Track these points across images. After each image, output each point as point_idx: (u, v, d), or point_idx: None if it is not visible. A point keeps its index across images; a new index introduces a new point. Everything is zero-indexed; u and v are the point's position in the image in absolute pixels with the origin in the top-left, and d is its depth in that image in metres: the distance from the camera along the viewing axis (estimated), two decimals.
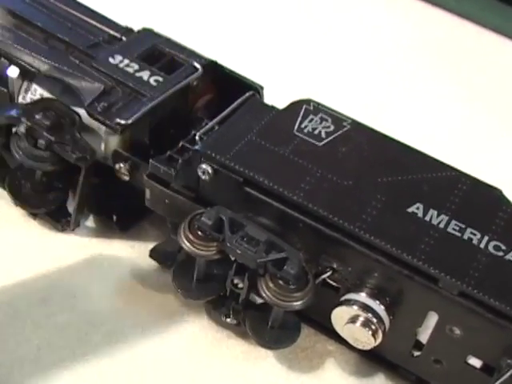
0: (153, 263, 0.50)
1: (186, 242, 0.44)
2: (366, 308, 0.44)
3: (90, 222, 0.53)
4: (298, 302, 0.43)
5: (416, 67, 0.69)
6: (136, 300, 0.49)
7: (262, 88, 0.51)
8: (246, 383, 0.46)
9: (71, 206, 0.51)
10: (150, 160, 0.46)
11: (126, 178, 0.49)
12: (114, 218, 0.51)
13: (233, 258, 0.44)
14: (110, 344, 0.47)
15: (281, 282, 0.43)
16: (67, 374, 0.45)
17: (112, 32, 0.52)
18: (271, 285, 0.43)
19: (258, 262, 0.43)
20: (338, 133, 0.48)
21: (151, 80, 0.49)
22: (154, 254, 0.50)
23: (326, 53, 0.70)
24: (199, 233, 0.44)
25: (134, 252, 0.51)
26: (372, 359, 0.48)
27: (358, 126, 0.49)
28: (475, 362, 0.45)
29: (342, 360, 0.48)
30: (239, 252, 0.43)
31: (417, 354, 0.46)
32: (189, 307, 0.49)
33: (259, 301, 0.47)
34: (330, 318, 0.46)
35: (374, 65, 0.69)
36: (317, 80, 0.64)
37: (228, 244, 0.43)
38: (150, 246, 0.51)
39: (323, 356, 0.48)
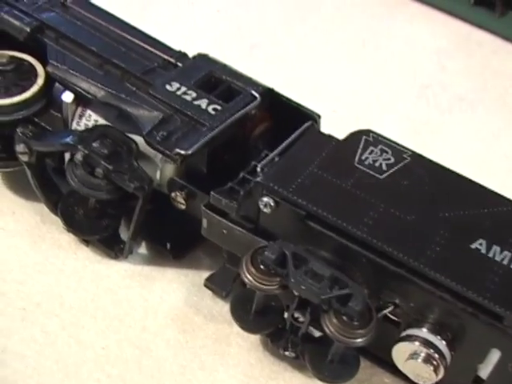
0: (207, 292, 0.50)
1: (248, 276, 0.44)
2: (427, 344, 0.43)
3: (142, 249, 0.52)
4: (362, 339, 0.43)
5: (463, 92, 0.69)
6: (191, 331, 0.49)
7: (319, 117, 0.50)
8: None
9: (124, 233, 0.51)
10: (212, 192, 0.46)
11: (183, 207, 0.49)
12: (168, 245, 0.51)
13: (296, 294, 0.44)
14: (165, 376, 0.46)
15: (344, 318, 0.43)
16: None
17: (166, 57, 0.52)
18: (335, 320, 0.43)
19: (322, 298, 0.43)
20: (399, 165, 0.47)
21: (209, 108, 0.48)
22: (208, 283, 0.50)
23: (372, 79, 0.70)
24: (262, 267, 0.44)
25: (187, 281, 0.51)
26: None
27: (418, 159, 0.48)
28: None
29: None
30: (303, 288, 0.43)
31: None
32: (245, 338, 0.48)
33: (318, 334, 0.47)
34: (389, 352, 0.45)
35: (418, 91, 0.69)
36: (365, 108, 0.64)
37: (292, 280, 0.43)
38: (204, 275, 0.50)
39: None
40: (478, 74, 0.72)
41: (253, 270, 0.44)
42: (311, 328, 0.47)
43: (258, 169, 0.46)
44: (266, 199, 0.45)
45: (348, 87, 0.69)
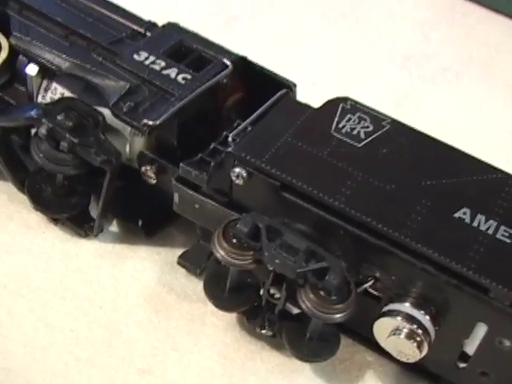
0: (181, 271, 0.48)
1: (220, 250, 0.42)
2: (410, 319, 0.41)
3: (114, 228, 0.50)
4: (340, 315, 0.41)
5: (447, 62, 0.67)
6: (164, 311, 0.46)
7: (295, 85, 0.48)
8: None
9: (94, 211, 0.49)
10: (181, 164, 0.44)
11: (153, 182, 0.47)
12: (140, 222, 0.49)
13: (270, 268, 0.42)
14: (136, 356, 0.44)
15: (322, 292, 0.41)
16: None
17: (135, 27, 0.50)
18: (312, 296, 0.41)
19: (297, 272, 0.41)
20: (378, 133, 0.45)
21: (179, 78, 0.46)
22: (181, 260, 0.48)
23: (353, 51, 0.68)
24: (234, 241, 0.42)
25: (160, 259, 0.49)
26: (413, 371, 0.46)
27: (398, 126, 0.46)
28: None
29: (381, 372, 0.46)
30: (278, 262, 0.41)
31: (462, 365, 0.44)
32: (220, 317, 0.46)
33: (295, 311, 0.45)
34: (370, 329, 0.43)
35: (401, 62, 0.67)
36: (345, 80, 0.62)
37: (266, 253, 0.41)
38: (178, 252, 0.48)
39: (362, 368, 0.46)
40: (463, 44, 0.70)
41: (225, 244, 0.42)
42: (289, 305, 0.45)
43: (230, 139, 0.44)
44: (238, 170, 0.43)
45: (328, 60, 0.67)
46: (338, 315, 0.41)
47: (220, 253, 0.42)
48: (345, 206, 0.42)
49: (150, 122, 0.44)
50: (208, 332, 0.46)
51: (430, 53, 0.66)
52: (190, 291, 0.47)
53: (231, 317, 0.46)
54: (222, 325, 0.46)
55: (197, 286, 0.47)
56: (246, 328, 0.46)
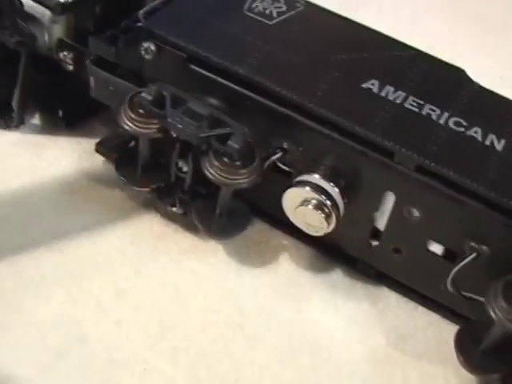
0: (99, 158, 0.48)
1: (126, 120, 0.41)
2: (318, 189, 0.41)
3: (36, 120, 0.50)
4: (244, 180, 0.40)
5: None
6: (81, 195, 0.46)
7: None
8: (193, 277, 0.44)
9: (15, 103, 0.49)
10: (90, 37, 0.44)
11: (71, 68, 0.46)
12: (60, 113, 0.49)
13: (174, 135, 0.42)
14: (49, 237, 0.44)
15: (225, 159, 0.40)
16: (5, 265, 0.43)
17: None
18: (216, 162, 0.40)
19: (200, 136, 0.40)
20: (291, 13, 0.45)
21: None
22: (99, 147, 0.48)
23: None
24: (140, 111, 0.41)
25: (80, 148, 0.49)
26: (329, 254, 0.45)
27: (312, 7, 0.46)
28: (437, 249, 0.42)
29: (296, 255, 0.45)
30: (180, 127, 0.40)
31: (375, 243, 0.43)
32: (135, 201, 0.46)
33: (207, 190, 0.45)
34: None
35: None
36: None
37: (169, 119, 0.41)
38: None
39: (277, 251, 0.45)
40: None
41: (131, 113, 0.41)
42: (201, 187, 0.45)
43: (140, 15, 0.44)
44: (146, 44, 0.43)
45: None
46: (241, 180, 0.41)
47: (126, 123, 0.41)
48: (250, 74, 0.41)
49: (62, 0, 0.44)
50: (123, 214, 0.46)
51: None
52: (107, 177, 0.47)
53: (147, 201, 0.46)
54: (137, 208, 0.46)
55: (114, 172, 0.45)
56: (161, 211, 0.46)
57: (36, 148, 0.48)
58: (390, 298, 0.44)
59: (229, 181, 0.40)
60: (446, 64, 0.44)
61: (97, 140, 0.48)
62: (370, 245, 0.43)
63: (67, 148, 0.48)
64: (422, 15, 0.62)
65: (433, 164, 0.39)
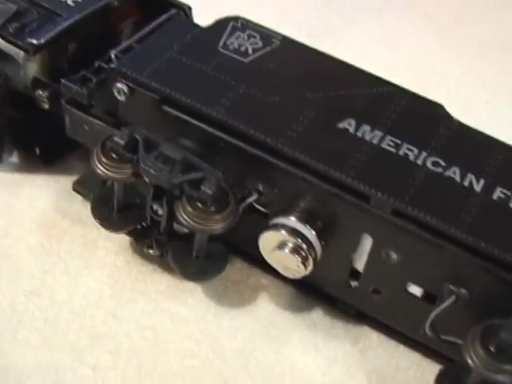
0: (78, 197, 0.47)
1: (98, 165, 0.41)
2: (294, 233, 0.40)
3: (14, 158, 0.49)
4: (219, 225, 0.40)
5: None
6: (57, 235, 0.46)
7: (190, 8, 0.47)
8: (171, 320, 0.43)
9: None
10: (62, 80, 0.43)
11: (46, 106, 0.46)
12: (37, 150, 0.48)
13: (147, 180, 0.41)
14: (26, 281, 0.43)
15: (199, 204, 0.40)
16: None
17: None
18: (189, 208, 0.40)
19: (172, 182, 0.40)
20: (267, 49, 0.44)
21: (68, 0, 0.46)
22: (76, 186, 0.47)
23: None
24: (113, 155, 0.41)
25: (58, 186, 0.48)
26: (309, 293, 0.45)
27: (288, 43, 0.45)
28: (416, 291, 0.41)
29: (276, 294, 0.45)
30: (153, 172, 0.40)
31: (354, 284, 0.43)
32: (113, 241, 0.46)
33: (184, 231, 0.44)
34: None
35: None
36: (262, 16, 0.57)
37: (142, 164, 0.40)
38: None
39: (256, 290, 0.45)
40: None
41: (103, 158, 0.41)
42: (178, 227, 0.44)
43: (112, 55, 0.44)
44: (119, 85, 0.42)
45: None
46: (216, 226, 0.40)
47: (99, 167, 0.41)
48: (223, 116, 0.41)
49: (35, 41, 0.43)
50: (100, 255, 0.45)
51: None
52: (84, 217, 0.46)
53: (124, 241, 0.46)
54: (114, 248, 0.45)
55: None
56: (138, 252, 0.45)
57: (13, 187, 0.48)
58: (371, 337, 0.44)
59: (203, 227, 0.40)
60: (425, 100, 0.43)
61: (74, 177, 0.48)
62: (350, 285, 0.43)
63: (45, 186, 0.48)
64: (407, 38, 0.61)
65: (409, 208, 0.38)
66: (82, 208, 0.47)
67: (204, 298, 0.44)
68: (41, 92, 0.46)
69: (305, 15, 0.59)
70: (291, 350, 0.43)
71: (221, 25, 0.46)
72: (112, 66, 0.43)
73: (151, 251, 0.44)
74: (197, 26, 0.46)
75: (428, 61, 0.59)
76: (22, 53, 0.45)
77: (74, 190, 0.47)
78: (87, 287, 0.44)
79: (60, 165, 0.49)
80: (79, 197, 0.47)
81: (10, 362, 0.41)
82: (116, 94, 0.42)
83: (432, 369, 0.42)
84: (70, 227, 0.46)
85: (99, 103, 0.44)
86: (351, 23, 0.60)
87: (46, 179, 0.48)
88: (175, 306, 0.44)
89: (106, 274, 0.44)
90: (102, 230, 0.45)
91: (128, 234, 0.45)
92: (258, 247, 0.42)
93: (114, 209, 0.43)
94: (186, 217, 0.40)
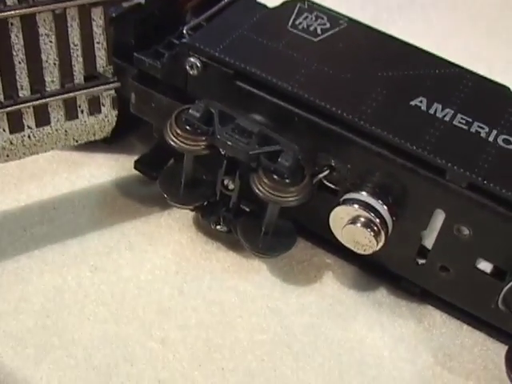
0: (138, 176, 0.47)
1: (172, 137, 0.41)
2: (367, 207, 0.40)
3: None
4: (294, 198, 0.40)
5: None
6: (119, 213, 0.46)
7: None
8: (238, 296, 0.43)
9: None
10: (135, 53, 0.43)
11: None
12: None
13: (223, 152, 0.41)
14: (90, 256, 0.43)
15: (275, 176, 0.40)
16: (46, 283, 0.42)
17: None
18: (265, 180, 0.40)
19: (250, 154, 0.40)
20: (335, 30, 0.45)
21: None
22: (138, 165, 0.47)
23: None
24: (187, 127, 0.41)
25: (117, 165, 0.48)
26: (373, 272, 0.45)
27: (355, 25, 0.46)
28: (485, 267, 0.41)
29: (340, 273, 0.45)
30: (230, 144, 0.40)
31: (422, 261, 0.43)
32: (176, 219, 0.46)
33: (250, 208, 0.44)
34: (328, 226, 0.42)
35: None
36: None
37: (218, 136, 0.40)
38: None
39: (321, 269, 0.45)
40: None
41: (178, 130, 0.41)
42: (245, 205, 0.45)
43: (185, 31, 0.44)
44: (192, 60, 0.42)
45: None
46: (291, 198, 0.40)
47: (173, 139, 0.41)
48: (298, 91, 0.41)
49: None
50: (163, 232, 0.45)
51: None
52: (145, 195, 0.46)
53: (187, 218, 0.46)
54: (177, 226, 0.46)
55: (153, 190, 0.46)
56: (203, 229, 0.45)
57: (73, 165, 0.48)
58: (435, 317, 0.44)
59: (279, 198, 0.40)
60: (491, 81, 0.44)
61: (134, 157, 0.48)
62: (417, 263, 0.43)
63: (105, 165, 0.48)
64: (453, 33, 0.62)
65: (485, 182, 0.39)
66: (143, 187, 0.47)
67: (270, 277, 0.44)
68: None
69: (351, 8, 0.59)
70: (358, 327, 0.43)
71: (288, 6, 0.46)
72: (185, 40, 0.43)
73: (219, 227, 0.44)
74: (265, 6, 0.47)
75: (474, 54, 0.60)
76: None
77: (136, 168, 0.47)
78: (152, 263, 0.44)
79: (120, 145, 0.49)
80: (139, 176, 0.47)
81: (78, 336, 0.40)
82: (188, 68, 0.43)
83: (496, 348, 0.43)
84: (131, 205, 0.46)
85: (168, 78, 0.44)
86: (397, 16, 0.61)
87: (106, 158, 0.48)
88: (241, 283, 0.44)
89: (171, 251, 0.44)
90: (165, 208, 0.45)
91: (194, 209, 0.45)
92: (324, 225, 0.42)
93: (182, 184, 0.43)
94: (262, 188, 0.40)
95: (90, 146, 0.49)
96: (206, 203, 0.44)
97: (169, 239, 0.45)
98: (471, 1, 0.64)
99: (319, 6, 0.46)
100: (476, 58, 0.57)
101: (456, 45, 0.60)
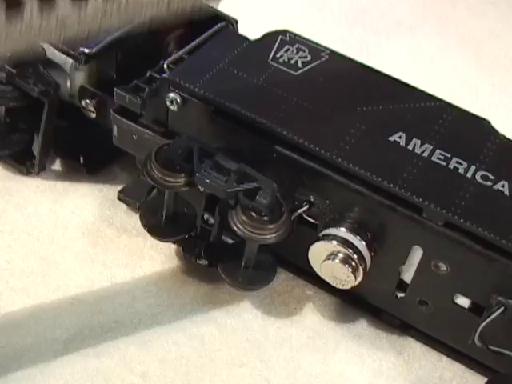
0: (122, 206, 0.48)
1: (152, 173, 0.41)
2: (345, 243, 0.41)
3: (56, 166, 0.50)
4: (272, 235, 0.40)
5: (401, 17, 0.67)
6: (103, 245, 0.46)
7: (236, 22, 0.48)
8: (218, 329, 0.43)
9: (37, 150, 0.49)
10: (115, 88, 0.43)
11: (93, 116, 0.46)
12: (81, 159, 0.49)
13: (202, 190, 0.41)
14: (73, 290, 0.43)
15: (253, 213, 0.40)
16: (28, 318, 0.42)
17: None
18: (243, 217, 0.40)
19: (228, 191, 0.40)
20: (316, 63, 0.45)
21: None
22: (122, 195, 0.48)
23: (306, 3, 0.66)
24: (166, 164, 0.41)
25: (101, 195, 0.49)
26: (353, 304, 0.45)
27: (336, 57, 0.46)
28: (463, 302, 0.42)
29: (321, 305, 0.45)
30: (208, 182, 0.40)
31: (401, 295, 0.43)
32: (158, 250, 0.46)
33: (231, 242, 0.45)
34: (308, 258, 0.43)
35: (354, 16, 0.66)
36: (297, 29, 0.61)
37: (197, 174, 0.41)
38: (120, 189, 0.48)
39: (301, 301, 0.45)
40: None
41: (157, 166, 0.41)
42: (226, 238, 0.45)
43: (165, 66, 0.44)
44: (172, 95, 0.43)
45: (281, 12, 0.66)
46: (269, 236, 0.40)
47: (152, 176, 0.41)
48: (276, 127, 0.41)
49: (87, 50, 0.44)
50: (145, 264, 0.45)
51: (384, 7, 0.66)
52: (129, 226, 0.47)
53: (170, 251, 0.46)
54: (159, 258, 0.46)
55: (137, 221, 0.46)
56: (184, 262, 0.46)
57: (57, 195, 0.48)
58: (415, 348, 0.44)
59: (257, 236, 0.40)
60: (471, 115, 0.44)
61: (119, 187, 0.48)
62: (396, 296, 0.43)
63: (88, 195, 0.48)
64: (440, 56, 0.62)
65: (461, 220, 0.39)
66: (127, 217, 0.47)
67: (250, 309, 0.44)
68: (88, 101, 0.46)
69: (338, 32, 0.60)
70: (337, 360, 0.43)
71: (270, 38, 0.46)
72: (165, 75, 0.43)
73: (200, 261, 0.44)
74: (246, 38, 0.47)
75: (461, 77, 0.60)
76: (69, 62, 0.46)
77: (119, 199, 0.47)
78: (133, 296, 0.44)
79: (103, 174, 0.50)
80: (123, 206, 0.48)
81: (60, 371, 0.40)
82: (168, 103, 0.43)
83: (475, 380, 0.43)
84: (115, 236, 0.47)
85: (149, 113, 0.44)
86: (384, 40, 0.61)
87: (89, 188, 0.49)
88: (222, 315, 0.44)
89: (153, 282, 0.45)
90: (147, 239, 0.45)
91: (175, 243, 0.45)
92: (305, 258, 0.43)
93: (163, 217, 0.44)
94: (240, 226, 0.40)
95: (74, 176, 0.49)
96: (187, 236, 0.45)
97: (150, 271, 0.45)
98: (459, 24, 0.65)
99: (301, 37, 0.46)
100: (463, 81, 0.58)
101: (443, 68, 0.60)
